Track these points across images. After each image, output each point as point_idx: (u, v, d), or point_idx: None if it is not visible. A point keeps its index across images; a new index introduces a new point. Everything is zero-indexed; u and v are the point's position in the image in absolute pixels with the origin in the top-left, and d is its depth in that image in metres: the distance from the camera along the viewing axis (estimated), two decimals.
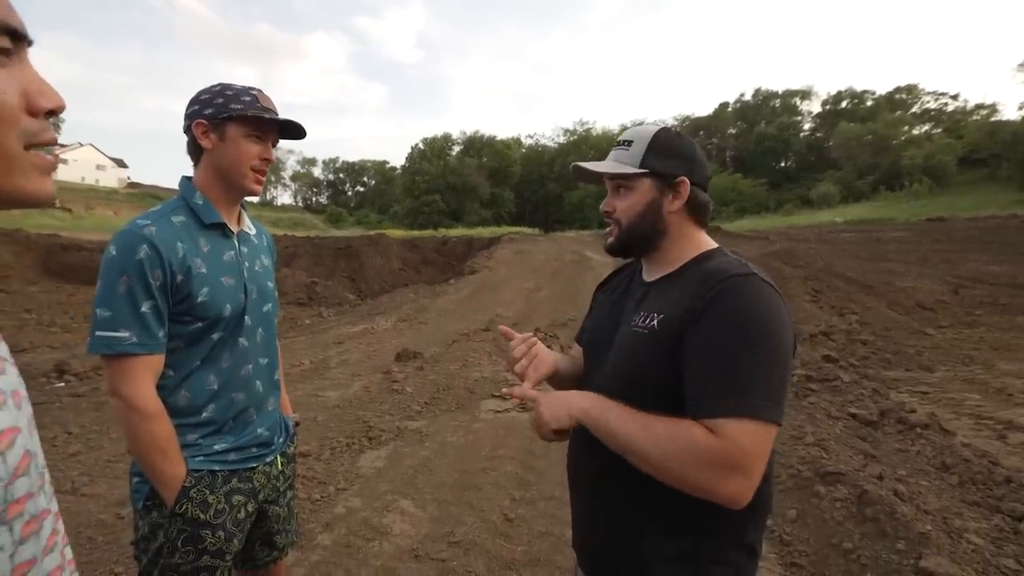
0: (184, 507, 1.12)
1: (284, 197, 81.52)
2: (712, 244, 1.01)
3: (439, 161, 54.58)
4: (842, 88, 55.32)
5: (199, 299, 1.13)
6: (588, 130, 60.97)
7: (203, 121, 1.17)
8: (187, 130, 1.19)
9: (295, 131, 1.26)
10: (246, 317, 1.23)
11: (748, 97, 58.35)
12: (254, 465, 1.25)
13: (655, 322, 0.92)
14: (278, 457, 1.34)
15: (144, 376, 1.08)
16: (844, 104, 52.87)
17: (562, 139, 61.96)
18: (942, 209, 25.23)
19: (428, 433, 3.87)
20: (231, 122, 1.17)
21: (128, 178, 64.34)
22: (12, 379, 0.48)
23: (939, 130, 43.81)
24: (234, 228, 1.25)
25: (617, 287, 1.13)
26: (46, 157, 0.47)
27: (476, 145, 58.74)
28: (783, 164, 54.38)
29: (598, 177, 1.05)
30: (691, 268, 0.96)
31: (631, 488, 0.91)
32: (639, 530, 0.92)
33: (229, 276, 1.20)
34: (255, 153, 1.20)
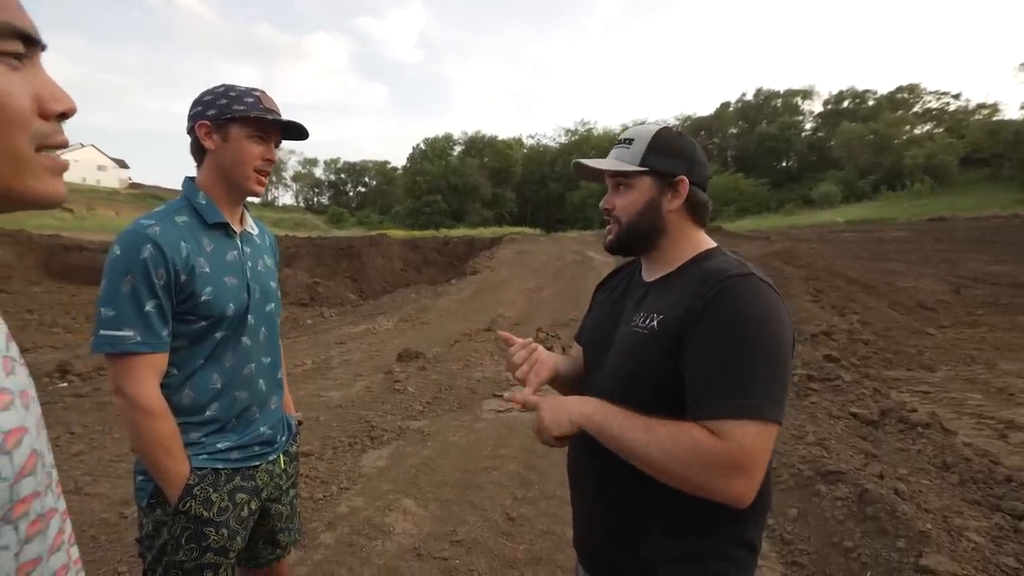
0: (188, 505, 1.13)
1: (285, 197, 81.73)
2: (711, 243, 1.01)
3: (440, 161, 54.60)
4: (844, 88, 55.43)
5: (202, 298, 1.14)
6: (589, 130, 60.98)
7: (206, 122, 1.17)
8: (190, 131, 1.20)
9: (297, 132, 1.27)
10: (249, 316, 1.24)
11: (750, 97, 58.35)
12: (257, 463, 1.26)
13: (655, 322, 0.92)
14: (281, 456, 1.35)
15: (148, 375, 1.09)
16: (846, 104, 52.82)
17: (563, 139, 62.00)
18: (944, 209, 25.19)
19: (430, 433, 3.88)
20: (234, 123, 1.17)
21: (129, 179, 64.48)
22: (21, 379, 0.49)
23: (941, 130, 43.76)
24: (237, 228, 1.26)
25: (617, 287, 1.14)
26: (57, 159, 0.48)
27: (477, 145, 58.77)
28: (784, 164, 54.32)
29: (599, 175, 1.06)
30: (690, 268, 0.97)
31: (632, 488, 0.92)
32: (641, 529, 0.93)
33: (232, 276, 1.21)
34: (258, 154, 1.21)
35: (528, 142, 64.24)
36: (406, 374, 5.23)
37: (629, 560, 0.94)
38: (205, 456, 1.17)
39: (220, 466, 1.19)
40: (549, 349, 1.15)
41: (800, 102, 56.18)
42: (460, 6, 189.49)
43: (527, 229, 31.36)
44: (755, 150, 53.19)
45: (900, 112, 47.54)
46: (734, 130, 58.16)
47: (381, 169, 79.17)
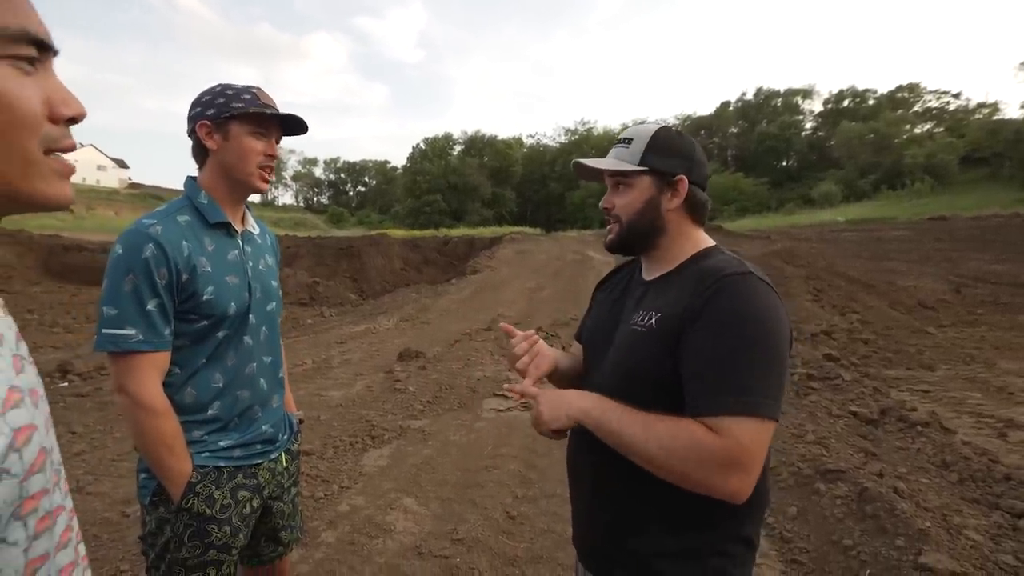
0: (190, 502, 1.14)
1: (285, 197, 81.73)
2: (710, 242, 1.02)
3: (440, 161, 54.59)
4: (844, 87, 55.23)
5: (204, 297, 1.14)
6: (589, 129, 60.94)
7: (206, 122, 1.18)
8: (191, 133, 1.21)
9: (297, 126, 1.28)
10: (250, 316, 1.24)
11: (750, 96, 58.32)
12: (259, 461, 1.27)
13: (653, 320, 0.93)
14: (282, 454, 1.36)
15: (150, 373, 1.10)
16: (846, 103, 52.80)
17: (563, 139, 61.93)
18: (944, 208, 25.19)
19: (431, 432, 3.89)
20: (233, 120, 1.18)
21: (129, 179, 64.50)
22: (31, 377, 0.49)
23: (941, 129, 43.74)
24: (238, 227, 1.27)
25: (617, 285, 1.14)
26: (64, 162, 0.49)
27: (477, 145, 58.75)
28: (785, 163, 54.31)
29: (598, 174, 1.06)
30: (689, 266, 0.98)
31: (631, 484, 0.92)
32: (639, 525, 0.94)
33: (233, 275, 1.21)
34: (260, 150, 1.21)
35: (528, 142, 64.24)
36: (406, 373, 5.23)
37: (628, 556, 0.95)
38: (207, 454, 1.18)
39: (222, 464, 1.19)
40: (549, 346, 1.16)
41: (800, 101, 56.17)
42: (460, 6, 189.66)
43: (527, 229, 31.36)
44: (755, 149, 53.18)
45: (900, 111, 47.53)
46: (734, 129, 58.14)
47: (381, 169, 79.18)
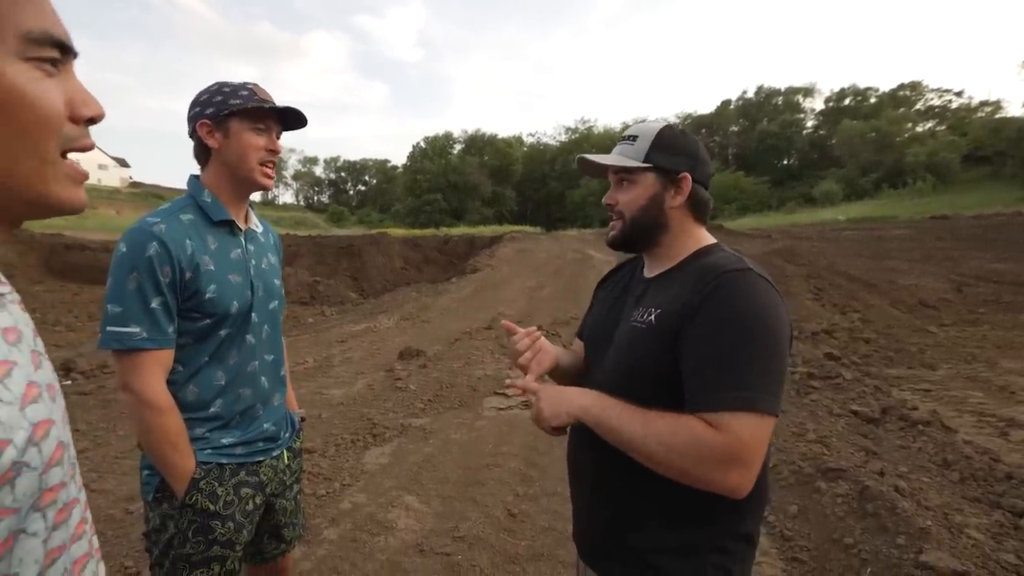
0: (194, 498, 1.14)
1: (286, 196, 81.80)
2: (711, 240, 1.03)
3: (440, 160, 54.57)
4: (845, 85, 55.31)
5: (207, 296, 1.15)
6: (590, 128, 60.90)
7: (206, 121, 1.18)
8: (192, 133, 1.21)
9: (296, 120, 1.28)
10: (253, 314, 1.25)
11: (750, 94, 58.27)
12: (261, 459, 1.28)
13: (653, 317, 0.94)
14: (284, 451, 1.36)
15: (154, 371, 1.10)
16: (847, 101, 52.69)
17: (564, 137, 61.90)
18: (946, 207, 25.14)
19: (432, 430, 3.90)
20: (232, 117, 1.18)
21: (130, 177, 64.54)
22: (47, 373, 0.50)
23: (943, 127, 43.65)
24: (242, 226, 1.27)
25: (618, 283, 1.15)
26: (78, 168, 0.50)
27: (477, 144, 58.74)
28: (786, 162, 54.25)
29: (602, 171, 1.07)
30: (689, 264, 0.98)
31: (631, 480, 0.93)
32: (639, 521, 0.94)
33: (236, 273, 1.22)
34: (261, 145, 1.21)
35: (528, 140, 64.22)
36: (407, 372, 5.24)
37: (628, 552, 0.95)
38: (210, 451, 1.19)
39: (224, 461, 1.20)
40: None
41: (801, 100, 56.09)
42: (460, 4, 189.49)
43: (527, 227, 31.37)
44: (756, 148, 53.10)
45: (902, 110, 47.42)
46: (735, 128, 58.07)
47: (381, 167, 79.20)
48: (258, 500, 1.27)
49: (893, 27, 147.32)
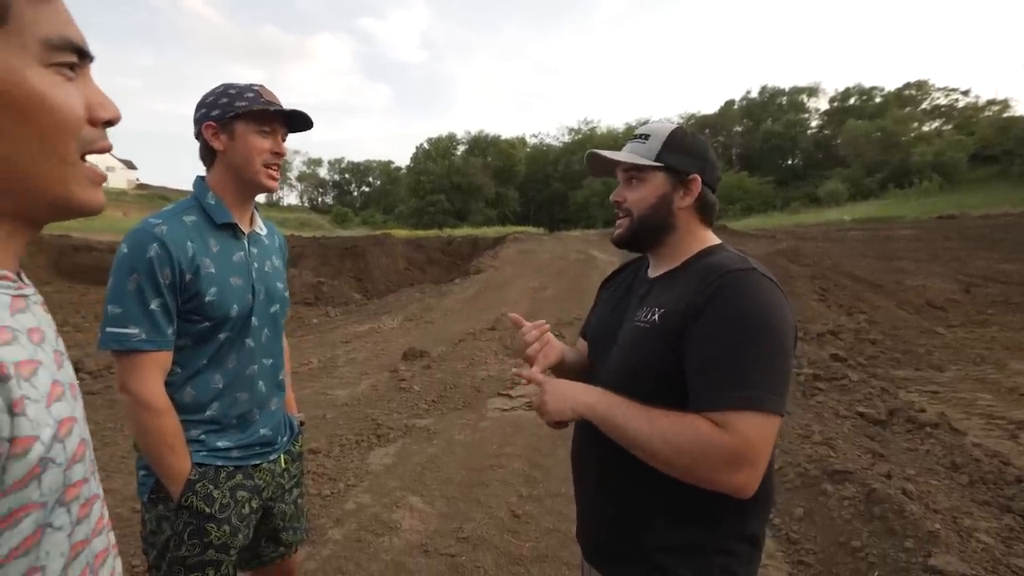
0: (189, 500, 1.14)
1: (290, 197, 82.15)
2: (715, 240, 1.03)
3: (444, 161, 54.66)
4: (850, 85, 55.07)
5: (207, 298, 1.14)
6: (593, 129, 60.85)
7: (212, 123, 1.18)
8: (198, 135, 1.20)
9: (302, 122, 1.27)
10: (253, 318, 1.24)
11: (754, 94, 58.10)
12: (257, 462, 1.27)
13: (657, 316, 0.94)
14: (282, 455, 1.35)
15: (152, 372, 1.10)
16: (852, 101, 52.43)
17: (567, 138, 61.91)
18: (953, 207, 24.94)
19: (436, 431, 3.90)
20: (238, 120, 1.17)
21: (137, 179, 65.03)
22: (69, 372, 0.52)
23: (950, 126, 43.36)
24: (245, 229, 1.26)
25: (622, 283, 1.15)
26: (96, 170, 0.51)
27: (481, 145, 58.78)
28: (790, 162, 54.04)
29: (610, 168, 1.07)
30: (693, 264, 0.98)
31: (636, 478, 0.92)
32: (644, 520, 0.94)
33: (238, 277, 1.21)
34: (266, 148, 1.21)
35: (531, 141, 64.26)
36: (411, 373, 5.25)
37: (633, 550, 0.95)
38: (205, 452, 1.18)
39: (220, 463, 1.19)
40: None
41: (806, 100, 55.86)
42: (463, 5, 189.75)
43: (531, 228, 31.33)
44: (760, 148, 52.94)
45: (908, 109, 47.14)
46: (739, 128, 57.90)
47: (385, 169, 79.45)
48: (255, 504, 1.26)
49: (898, 26, 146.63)
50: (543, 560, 2.39)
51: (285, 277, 1.42)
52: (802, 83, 57.85)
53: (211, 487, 1.17)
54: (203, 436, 1.19)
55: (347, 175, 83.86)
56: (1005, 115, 38.67)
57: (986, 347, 6.42)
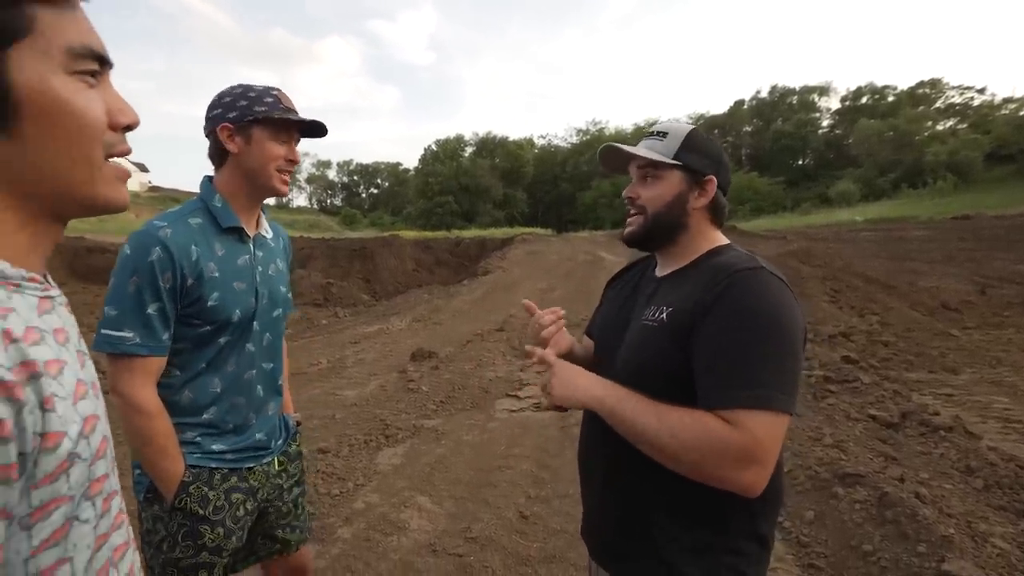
0: (183, 502, 1.14)
1: (299, 199, 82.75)
2: (724, 241, 1.03)
3: (452, 162, 54.86)
4: (862, 84, 54.28)
5: (209, 303, 1.13)
6: (601, 130, 60.75)
7: (228, 125, 1.16)
8: (210, 134, 1.19)
9: (317, 130, 1.27)
10: (255, 323, 1.23)
11: (764, 94, 57.70)
12: (251, 465, 1.26)
13: (664, 315, 0.94)
14: (277, 457, 1.34)
15: (145, 377, 1.09)
16: (864, 100, 51.85)
17: (575, 139, 61.89)
18: (968, 206, 24.54)
19: (444, 431, 3.91)
20: (256, 124, 1.16)
21: (149, 182, 65.87)
22: (91, 371, 0.54)
23: (965, 125, 42.71)
24: (251, 231, 1.25)
25: (628, 282, 1.15)
26: (121, 167, 0.53)
27: (488, 146, 58.92)
28: (801, 162, 53.55)
29: (623, 165, 1.07)
30: (701, 263, 0.98)
31: (643, 477, 0.92)
32: (652, 519, 0.94)
33: (241, 281, 1.20)
34: (281, 154, 1.20)
35: (539, 142, 64.32)
36: (420, 373, 5.27)
37: (641, 547, 0.95)
38: (200, 455, 1.18)
39: (214, 465, 1.19)
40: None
41: (817, 99, 55.35)
42: (470, 7, 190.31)
43: (538, 230, 31.31)
44: (770, 148, 52.53)
45: (921, 108, 46.51)
46: (748, 128, 57.51)
47: (393, 171, 79.86)
48: (249, 506, 1.25)
49: (911, 24, 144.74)
50: (551, 561, 2.39)
51: (289, 279, 1.41)
52: (813, 82, 57.47)
53: (206, 489, 1.16)
54: (198, 438, 1.18)
55: (356, 177, 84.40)
56: (1022, 113, 38.00)
57: (1003, 349, 6.30)
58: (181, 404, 1.16)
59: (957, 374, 5.48)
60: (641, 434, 0.86)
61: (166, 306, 1.09)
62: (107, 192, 0.52)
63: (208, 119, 1.20)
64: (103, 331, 1.08)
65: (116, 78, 0.54)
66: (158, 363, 1.12)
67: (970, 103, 46.10)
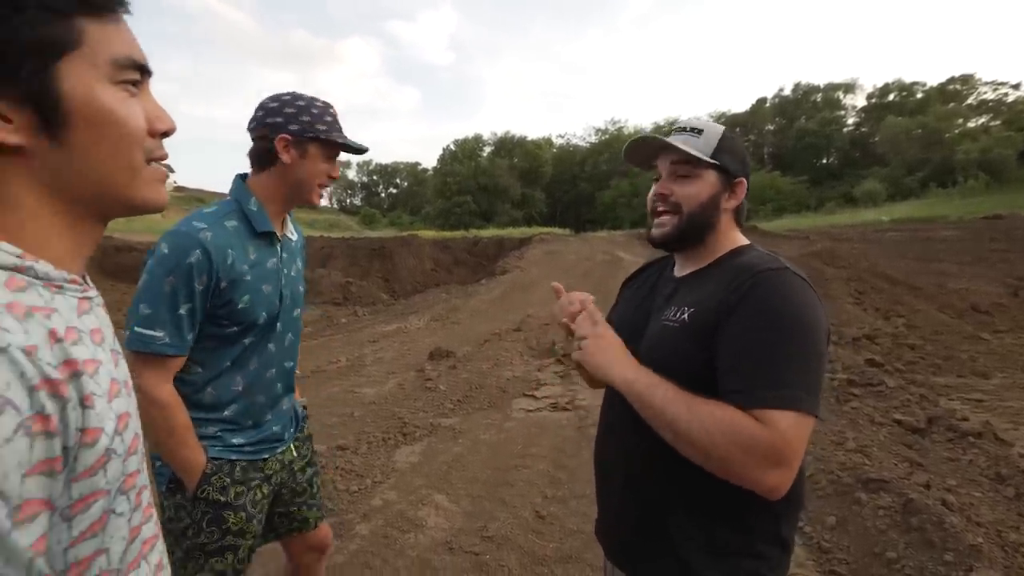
0: (205, 491, 1.19)
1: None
2: (745, 241, 1.03)
3: (470, 162, 54.97)
4: (889, 80, 52.65)
5: (239, 305, 1.17)
6: (620, 129, 60.10)
7: (288, 136, 1.19)
8: (262, 138, 1.21)
9: (356, 150, 1.32)
10: (278, 323, 1.28)
11: (787, 92, 56.32)
12: (266, 456, 1.32)
13: (686, 315, 0.94)
14: (291, 445, 1.40)
15: (166, 373, 1.13)
16: (891, 97, 50.34)
17: (594, 138, 61.33)
18: (1000, 206, 23.62)
19: (461, 430, 3.95)
20: (314, 141, 1.21)
21: (175, 182, 67.54)
22: (124, 370, 0.57)
23: (998, 122, 41.08)
24: (280, 235, 1.29)
25: (645, 282, 1.15)
26: (160, 170, 0.57)
27: (507, 146, 58.87)
28: (825, 161, 52.23)
29: (648, 159, 1.04)
30: (723, 263, 0.98)
31: (663, 476, 0.92)
32: (672, 520, 0.93)
33: (268, 284, 1.24)
34: (325, 171, 1.26)
35: (558, 142, 63.89)
36: (437, 372, 5.31)
37: (660, 549, 0.95)
38: (220, 447, 1.23)
39: (234, 457, 1.24)
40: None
41: (842, 96, 53.87)
42: (491, 7, 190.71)
43: (556, 229, 31.17)
44: (793, 147, 51.34)
45: (952, 105, 44.90)
46: (771, 127, 56.31)
47: (412, 171, 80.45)
48: (266, 490, 1.31)
49: (942, 18, 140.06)
50: (567, 561, 2.40)
51: (303, 276, 1.45)
52: (838, 79, 55.80)
53: (226, 479, 1.21)
54: (219, 433, 1.23)
55: (375, 177, 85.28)
56: None
57: None
58: (204, 402, 1.20)
59: (987, 379, 5.32)
60: (670, 423, 0.83)
61: (196, 307, 1.12)
62: (147, 194, 0.55)
63: (264, 123, 1.21)
64: (136, 329, 1.11)
65: None
66: (180, 362, 1.16)
67: (1004, 99, 44.39)
